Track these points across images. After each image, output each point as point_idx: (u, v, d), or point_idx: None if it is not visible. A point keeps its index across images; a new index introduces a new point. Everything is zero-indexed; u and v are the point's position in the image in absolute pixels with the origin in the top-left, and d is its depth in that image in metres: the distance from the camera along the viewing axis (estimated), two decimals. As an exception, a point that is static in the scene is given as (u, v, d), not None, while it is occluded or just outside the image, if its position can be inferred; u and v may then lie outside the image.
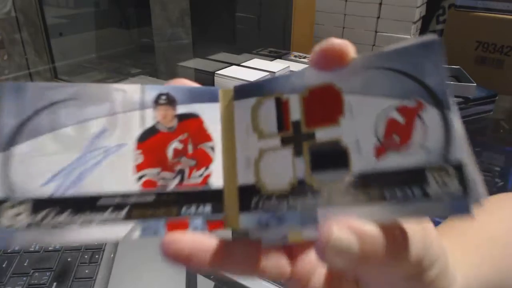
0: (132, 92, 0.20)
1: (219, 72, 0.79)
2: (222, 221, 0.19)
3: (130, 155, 0.19)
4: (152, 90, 0.20)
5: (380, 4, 0.96)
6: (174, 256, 0.17)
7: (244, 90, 0.21)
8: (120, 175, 0.18)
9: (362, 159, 0.17)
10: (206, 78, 0.80)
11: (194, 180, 0.20)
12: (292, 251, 0.19)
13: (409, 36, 0.94)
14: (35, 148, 0.18)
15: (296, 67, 0.85)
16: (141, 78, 0.83)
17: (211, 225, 0.19)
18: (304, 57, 0.93)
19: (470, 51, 0.98)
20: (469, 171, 0.15)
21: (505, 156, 0.75)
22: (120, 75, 0.88)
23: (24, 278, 0.44)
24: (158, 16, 0.90)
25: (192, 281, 0.45)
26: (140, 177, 0.19)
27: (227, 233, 0.19)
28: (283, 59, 0.92)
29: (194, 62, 0.88)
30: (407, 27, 0.95)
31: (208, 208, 0.19)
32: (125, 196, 0.18)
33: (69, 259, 0.47)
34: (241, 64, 0.84)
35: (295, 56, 0.95)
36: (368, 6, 0.97)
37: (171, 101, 0.20)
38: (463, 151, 0.15)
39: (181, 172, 0.20)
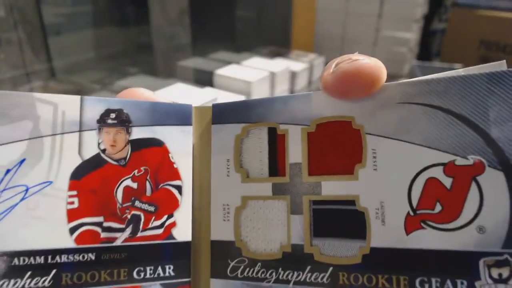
0: (67, 106, 0.13)
1: (218, 71, 0.78)
2: None
3: (61, 198, 0.13)
4: (96, 104, 0.14)
5: (382, 1, 0.95)
6: None
7: (226, 111, 0.15)
8: (45, 225, 0.13)
9: (387, 231, 0.12)
10: (205, 77, 0.80)
11: (152, 231, 0.15)
12: None
13: (411, 35, 0.93)
14: None
15: (296, 66, 0.84)
16: (140, 78, 0.82)
17: None
18: (305, 56, 0.92)
19: (473, 50, 0.97)
20: None
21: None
22: (119, 74, 0.88)
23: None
24: (157, 14, 0.89)
25: None
26: (75, 228, 0.13)
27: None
28: (283, 58, 0.91)
29: (193, 61, 0.88)
30: (408, 25, 0.94)
31: (169, 269, 0.14)
32: (52, 254, 0.13)
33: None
34: (241, 62, 0.83)
35: (296, 55, 0.94)
36: (369, 4, 0.96)
37: (123, 121, 0.14)
38: None
39: (135, 220, 0.14)
